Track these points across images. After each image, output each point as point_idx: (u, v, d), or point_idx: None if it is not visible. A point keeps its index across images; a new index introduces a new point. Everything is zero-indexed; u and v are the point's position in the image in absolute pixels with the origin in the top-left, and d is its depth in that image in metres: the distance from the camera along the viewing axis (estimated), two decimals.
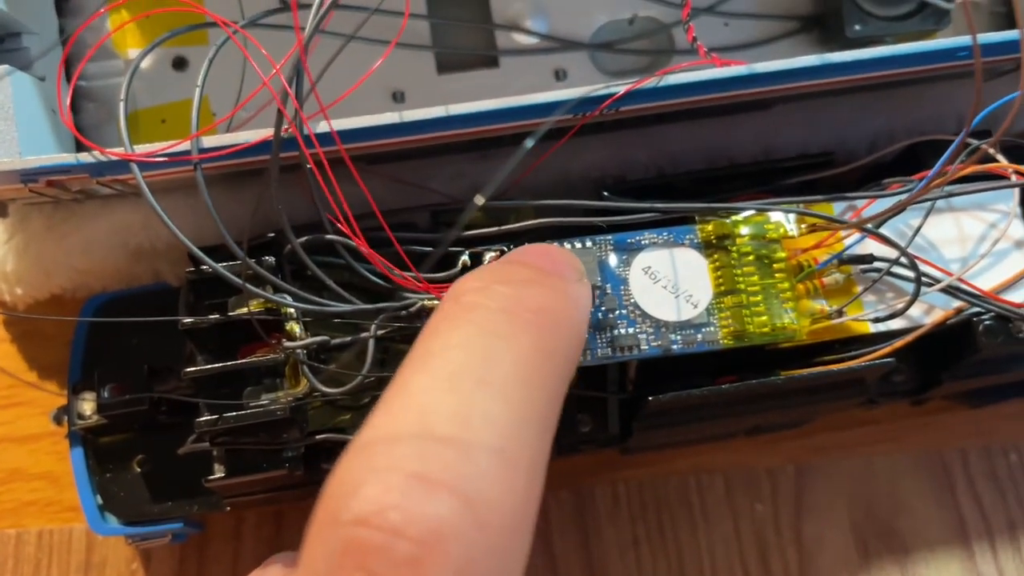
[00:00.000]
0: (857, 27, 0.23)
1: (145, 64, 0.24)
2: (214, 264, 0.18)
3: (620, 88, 0.19)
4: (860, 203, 0.21)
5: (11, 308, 0.26)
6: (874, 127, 0.24)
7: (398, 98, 0.24)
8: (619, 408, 0.21)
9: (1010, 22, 0.25)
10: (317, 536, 0.11)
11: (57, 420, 0.23)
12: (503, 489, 0.11)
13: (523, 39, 0.25)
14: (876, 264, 0.20)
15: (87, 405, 0.21)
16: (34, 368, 0.26)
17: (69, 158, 0.18)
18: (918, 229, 0.20)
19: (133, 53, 0.24)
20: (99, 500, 0.22)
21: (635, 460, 0.26)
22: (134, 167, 0.18)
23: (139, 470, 0.22)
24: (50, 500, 0.25)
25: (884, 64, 0.19)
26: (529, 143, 0.16)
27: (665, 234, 0.20)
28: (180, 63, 0.24)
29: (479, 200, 0.15)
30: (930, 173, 0.19)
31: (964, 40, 0.20)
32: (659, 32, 0.25)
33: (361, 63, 0.20)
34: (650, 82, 0.19)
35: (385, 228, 0.18)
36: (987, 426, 0.26)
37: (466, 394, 0.11)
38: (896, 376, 0.22)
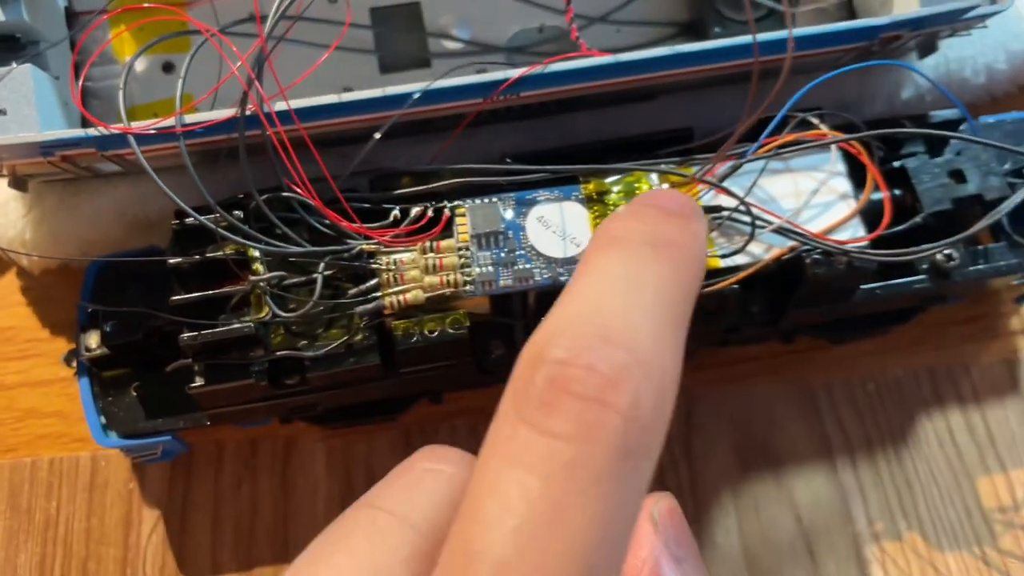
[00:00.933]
0: (717, 30, 0.28)
1: (140, 68, 0.29)
2: (194, 214, 0.23)
3: (512, 74, 0.24)
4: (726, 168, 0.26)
5: (28, 273, 0.31)
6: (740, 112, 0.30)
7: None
8: (524, 333, 0.26)
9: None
10: (523, 375, 0.13)
11: (67, 361, 0.28)
12: (661, 357, 0.14)
13: (451, 45, 0.30)
14: (723, 212, 0.25)
15: (92, 339, 0.26)
16: (46, 326, 0.31)
17: (79, 132, 0.23)
18: (754, 182, 0.25)
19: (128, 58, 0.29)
20: (102, 420, 0.26)
21: None
22: (131, 139, 0.23)
23: (135, 395, 0.26)
24: (60, 433, 0.30)
25: (696, 58, 0.25)
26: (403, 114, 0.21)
27: (556, 192, 0.25)
28: (168, 67, 0.29)
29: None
30: (758, 141, 0.24)
31: (741, 40, 0.25)
32: (563, 38, 0.30)
33: (314, 63, 0.25)
34: (536, 69, 0.25)
35: (331, 184, 0.23)
36: (849, 362, 0.31)
37: (627, 292, 0.14)
38: (752, 307, 0.27)
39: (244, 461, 0.30)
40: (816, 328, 0.30)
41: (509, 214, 0.25)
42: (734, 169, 0.25)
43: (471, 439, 0.30)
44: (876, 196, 0.27)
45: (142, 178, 0.28)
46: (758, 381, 0.31)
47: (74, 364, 0.27)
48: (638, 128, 0.29)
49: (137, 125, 0.23)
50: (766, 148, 0.25)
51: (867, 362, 0.31)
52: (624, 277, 0.15)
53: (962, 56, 0.31)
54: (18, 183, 0.27)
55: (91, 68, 0.28)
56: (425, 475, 0.15)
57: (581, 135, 0.29)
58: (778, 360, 0.31)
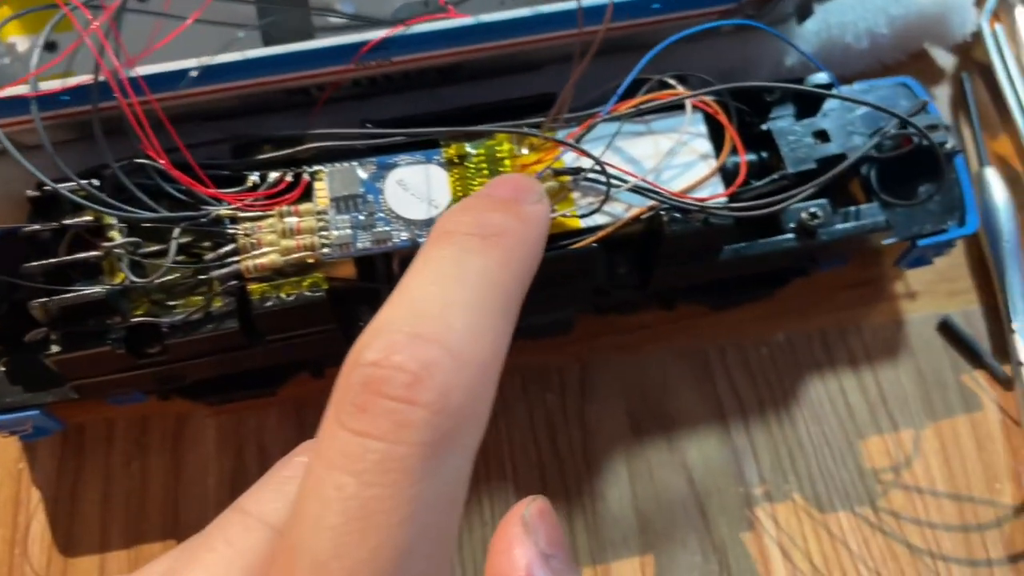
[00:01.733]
0: None
1: (23, 48, 0.29)
2: (47, 180, 0.23)
3: (373, 37, 0.25)
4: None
5: None
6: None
7: None
8: None
9: None
10: (343, 379, 0.15)
11: None
12: (475, 347, 0.15)
13: (335, 19, 0.30)
14: (582, 174, 0.25)
15: None
16: None
17: None
18: (609, 143, 0.25)
19: (12, 39, 0.29)
20: None
21: None
22: None
23: (2, 370, 0.26)
24: None
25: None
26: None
27: (417, 155, 0.25)
28: (51, 46, 0.29)
29: None
30: (609, 103, 0.24)
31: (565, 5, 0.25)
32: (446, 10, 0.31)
33: (193, 39, 0.25)
34: (398, 30, 0.25)
35: (183, 150, 0.23)
36: (742, 326, 0.32)
37: (446, 286, 0.16)
38: (619, 268, 0.27)
39: (134, 439, 0.30)
40: (695, 293, 0.30)
41: (368, 178, 0.25)
42: (589, 130, 0.25)
43: None
44: (748, 158, 0.27)
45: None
46: (651, 348, 0.31)
47: None
48: (530, 93, 0.30)
49: None
50: (618, 109, 0.25)
51: (759, 326, 0.32)
52: (446, 272, 0.16)
53: (843, 22, 0.32)
54: None
55: None
56: (287, 481, 0.16)
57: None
58: (669, 327, 0.31)
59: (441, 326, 0.15)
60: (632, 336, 0.31)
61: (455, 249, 0.16)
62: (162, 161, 0.24)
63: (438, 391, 0.14)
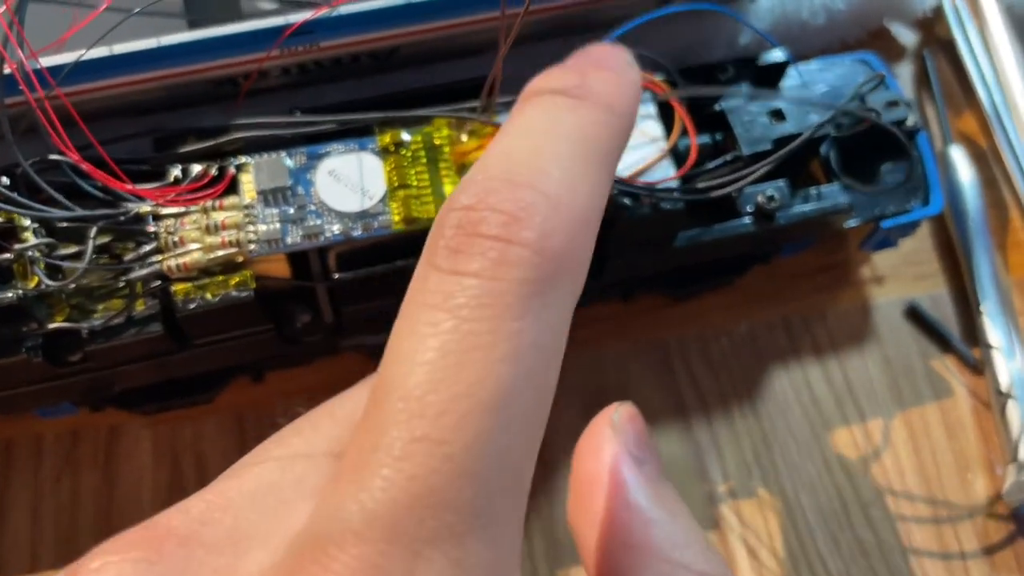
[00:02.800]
0: None
1: None
2: None
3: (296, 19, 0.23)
4: None
5: None
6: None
7: None
8: (329, 297, 0.25)
9: None
10: (435, 228, 0.14)
11: None
12: (573, 195, 0.14)
13: (266, 5, 0.29)
14: None
15: None
16: None
17: None
18: None
19: None
20: None
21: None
22: None
23: None
24: None
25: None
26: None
27: (351, 144, 0.24)
28: None
29: None
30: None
31: None
32: None
33: (118, 29, 0.24)
34: (322, 12, 0.24)
35: (96, 145, 0.22)
36: (702, 317, 0.30)
37: (539, 140, 0.15)
38: None
39: (64, 454, 0.28)
40: (653, 283, 0.29)
41: (298, 168, 0.24)
42: None
43: None
44: (700, 141, 0.26)
45: None
46: (609, 342, 0.30)
47: None
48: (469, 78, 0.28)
49: None
50: None
51: (720, 316, 0.30)
52: (538, 128, 0.15)
53: None
54: None
55: None
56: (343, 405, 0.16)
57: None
58: (627, 320, 0.30)
59: (537, 173, 0.14)
60: (588, 330, 0.30)
61: (546, 107, 0.15)
62: (74, 157, 0.22)
63: (537, 231, 0.13)
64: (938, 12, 0.34)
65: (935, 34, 0.35)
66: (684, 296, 0.30)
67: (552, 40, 0.28)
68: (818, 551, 0.27)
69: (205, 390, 0.27)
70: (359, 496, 0.12)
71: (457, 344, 0.12)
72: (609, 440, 0.17)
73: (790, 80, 0.28)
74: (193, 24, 0.28)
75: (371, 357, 0.29)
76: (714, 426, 0.29)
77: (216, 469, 0.28)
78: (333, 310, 0.25)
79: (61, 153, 0.22)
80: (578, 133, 0.15)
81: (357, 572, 0.11)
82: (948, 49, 0.34)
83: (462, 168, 0.24)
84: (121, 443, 0.28)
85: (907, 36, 0.35)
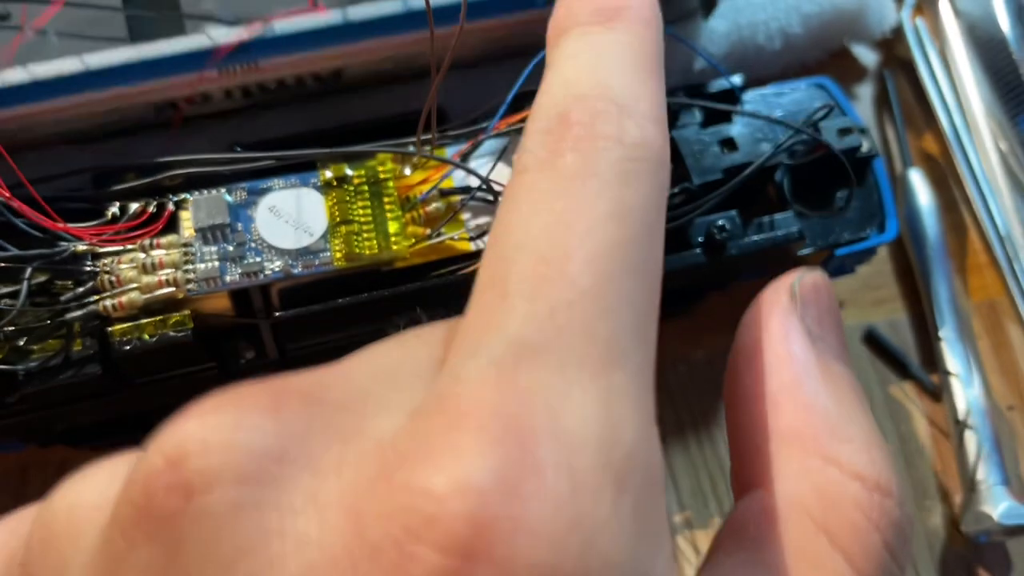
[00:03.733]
0: None
1: None
2: None
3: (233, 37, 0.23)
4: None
5: None
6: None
7: None
8: (272, 331, 0.24)
9: None
10: (517, 153, 0.14)
11: None
12: (638, 101, 0.14)
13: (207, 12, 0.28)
14: (471, 193, 0.24)
15: None
16: None
17: None
18: (495, 163, 0.24)
19: None
20: None
21: None
22: None
23: None
24: None
25: None
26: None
27: (292, 179, 0.24)
28: None
29: None
30: (494, 120, 0.23)
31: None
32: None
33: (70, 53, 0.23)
34: (258, 29, 0.23)
35: (24, 182, 0.22)
36: (658, 345, 0.30)
37: (587, 63, 0.15)
38: None
39: (13, 490, 0.28)
40: None
41: (238, 205, 0.23)
42: (475, 147, 0.23)
43: None
44: None
45: None
46: None
47: None
48: (417, 107, 0.28)
49: None
50: (506, 123, 0.23)
51: (677, 344, 0.30)
52: (581, 55, 0.15)
53: (754, 21, 0.30)
54: None
55: None
56: None
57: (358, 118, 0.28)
58: None
59: (600, 87, 0.14)
60: None
61: (583, 37, 0.15)
62: (4, 195, 0.22)
63: (616, 127, 0.14)
64: (899, 32, 0.34)
65: (896, 54, 0.35)
66: None
67: (496, 64, 0.28)
68: None
69: (153, 424, 0.26)
70: (503, 331, 0.12)
71: (564, 205, 0.13)
72: (783, 310, 0.15)
73: (745, 106, 0.28)
74: (133, 34, 0.28)
75: None
76: (670, 455, 0.29)
77: None
78: (277, 347, 0.24)
79: None
80: (621, 51, 0.15)
81: (509, 402, 0.11)
82: (908, 70, 0.34)
83: (406, 202, 0.24)
84: None
85: (868, 57, 0.35)
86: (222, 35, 0.23)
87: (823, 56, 0.33)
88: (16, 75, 0.22)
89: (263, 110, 0.27)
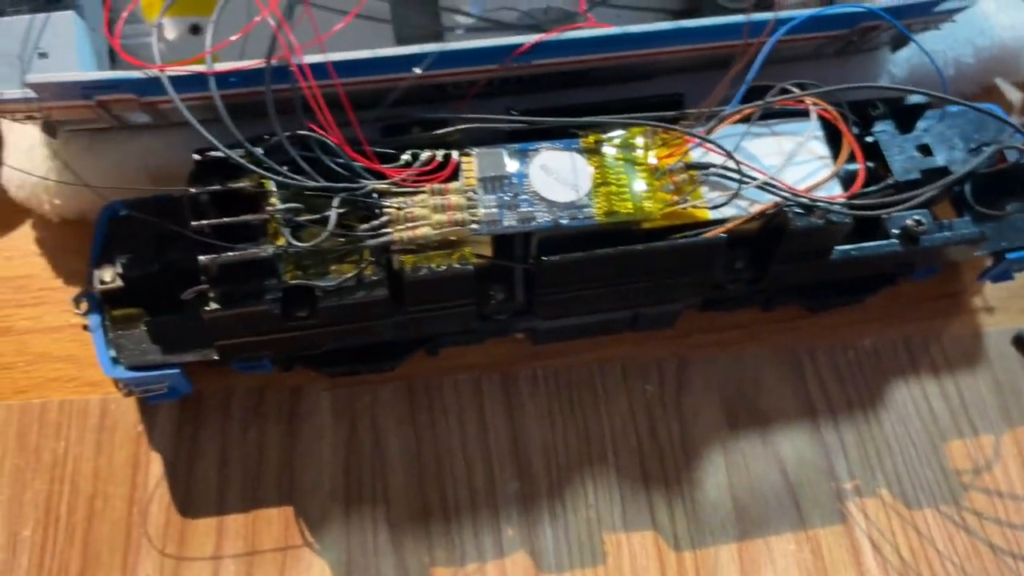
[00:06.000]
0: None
1: (168, 31, 0.31)
2: (219, 144, 0.24)
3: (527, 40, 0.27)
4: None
5: (45, 222, 0.32)
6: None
7: None
8: (524, 279, 0.27)
9: None
10: None
11: (77, 301, 0.28)
12: None
13: (463, 19, 0.32)
14: (712, 169, 0.27)
15: (107, 273, 0.27)
16: (60, 275, 0.32)
17: (121, 73, 0.25)
18: (740, 140, 0.27)
19: (162, 20, 0.31)
20: (112, 353, 0.27)
21: (549, 351, 0.32)
22: (164, 79, 0.25)
23: (145, 330, 0.27)
24: (71, 377, 0.31)
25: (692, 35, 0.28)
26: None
27: (559, 144, 0.27)
28: (195, 29, 0.31)
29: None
30: (729, 107, 0.26)
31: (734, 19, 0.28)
32: (568, 18, 0.32)
33: (336, 33, 0.27)
34: (551, 36, 0.27)
35: (354, 123, 0.25)
36: (830, 331, 0.33)
37: None
38: (737, 263, 0.28)
39: (252, 408, 0.31)
40: (794, 294, 0.31)
41: (514, 161, 0.26)
42: (720, 121, 0.27)
43: (475, 393, 0.31)
44: (852, 167, 0.29)
45: (166, 131, 0.30)
46: (746, 347, 0.33)
47: (83, 304, 0.28)
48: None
49: (172, 69, 0.25)
50: (744, 113, 0.27)
51: (848, 331, 0.33)
52: None
53: (933, 50, 0.34)
54: (49, 128, 0.28)
55: (121, 29, 0.30)
56: None
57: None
58: (764, 328, 0.33)
59: None
60: (728, 334, 0.33)
61: None
62: (333, 139, 0.25)
63: None
64: None
65: None
66: (818, 309, 0.32)
67: (717, 70, 0.32)
68: (936, 549, 0.30)
69: (390, 359, 0.30)
70: None
71: None
72: None
73: (927, 121, 0.31)
74: (400, 36, 0.31)
75: (534, 342, 0.31)
76: (841, 429, 0.32)
77: (388, 432, 0.30)
78: (526, 293, 0.28)
79: (309, 130, 0.25)
80: None
81: None
82: None
83: (655, 171, 0.27)
84: (303, 403, 0.31)
85: (1013, 93, 0.38)
86: (518, 39, 0.27)
87: (977, 89, 0.37)
88: (357, 53, 0.26)
89: (507, 96, 0.31)
